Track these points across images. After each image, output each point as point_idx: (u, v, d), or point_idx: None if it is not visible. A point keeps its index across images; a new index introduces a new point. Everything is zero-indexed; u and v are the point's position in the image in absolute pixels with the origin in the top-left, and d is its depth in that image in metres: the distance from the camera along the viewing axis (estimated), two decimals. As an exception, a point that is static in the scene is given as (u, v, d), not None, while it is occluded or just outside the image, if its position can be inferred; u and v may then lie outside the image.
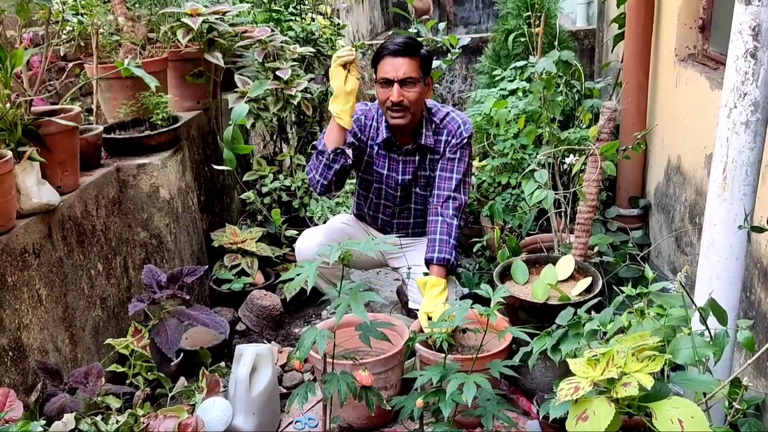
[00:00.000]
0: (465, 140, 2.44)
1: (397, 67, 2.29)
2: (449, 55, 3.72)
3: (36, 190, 1.87)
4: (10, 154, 1.77)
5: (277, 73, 2.99)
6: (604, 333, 1.59)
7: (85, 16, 2.52)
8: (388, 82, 2.31)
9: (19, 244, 1.80)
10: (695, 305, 1.49)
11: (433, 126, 2.44)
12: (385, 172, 2.50)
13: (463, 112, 2.72)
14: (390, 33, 7.39)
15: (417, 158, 2.47)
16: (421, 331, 2.19)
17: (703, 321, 1.47)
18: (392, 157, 2.48)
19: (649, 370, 1.29)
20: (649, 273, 1.58)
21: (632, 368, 1.30)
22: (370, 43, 5.03)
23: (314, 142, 2.50)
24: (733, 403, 1.35)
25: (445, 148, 2.44)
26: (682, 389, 1.59)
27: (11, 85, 1.86)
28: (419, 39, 3.61)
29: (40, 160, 1.90)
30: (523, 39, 3.33)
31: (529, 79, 3.17)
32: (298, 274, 1.64)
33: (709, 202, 1.57)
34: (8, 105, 1.85)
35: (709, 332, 1.46)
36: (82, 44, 2.65)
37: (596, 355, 1.36)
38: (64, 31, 2.60)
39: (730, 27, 1.49)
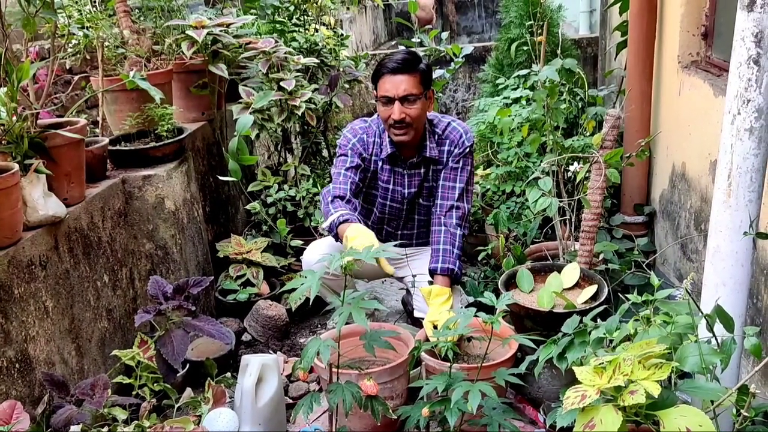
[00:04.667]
0: (467, 149, 2.44)
1: (397, 84, 2.27)
2: (452, 64, 3.73)
3: (42, 202, 1.88)
4: (16, 166, 1.79)
5: (281, 83, 3.01)
6: (611, 341, 1.58)
7: (90, 29, 2.55)
8: (388, 100, 2.29)
9: (26, 257, 1.81)
10: (701, 312, 1.48)
11: (436, 137, 2.44)
12: (390, 186, 2.49)
13: (466, 121, 2.73)
14: (393, 43, 7.42)
15: (422, 171, 2.47)
16: (427, 340, 2.19)
17: (710, 328, 1.46)
18: (397, 171, 2.48)
19: (656, 377, 1.29)
20: (655, 280, 1.58)
21: (639, 376, 1.29)
22: (374, 53, 5.06)
23: (323, 222, 2.28)
24: (741, 411, 1.34)
25: (447, 158, 2.44)
26: (689, 397, 1.58)
27: (18, 99, 1.88)
28: (422, 48, 3.64)
29: (47, 173, 1.92)
30: (526, 48, 3.34)
31: (532, 88, 3.17)
32: (301, 284, 1.64)
33: (714, 209, 1.57)
34: (15, 118, 1.87)
35: (716, 339, 1.46)
36: (88, 57, 2.68)
37: (603, 363, 1.35)
38: (70, 45, 2.62)
39: (732, 34, 1.49)
